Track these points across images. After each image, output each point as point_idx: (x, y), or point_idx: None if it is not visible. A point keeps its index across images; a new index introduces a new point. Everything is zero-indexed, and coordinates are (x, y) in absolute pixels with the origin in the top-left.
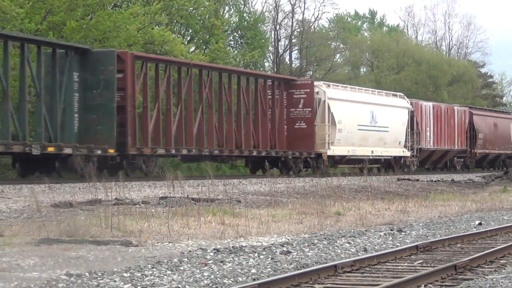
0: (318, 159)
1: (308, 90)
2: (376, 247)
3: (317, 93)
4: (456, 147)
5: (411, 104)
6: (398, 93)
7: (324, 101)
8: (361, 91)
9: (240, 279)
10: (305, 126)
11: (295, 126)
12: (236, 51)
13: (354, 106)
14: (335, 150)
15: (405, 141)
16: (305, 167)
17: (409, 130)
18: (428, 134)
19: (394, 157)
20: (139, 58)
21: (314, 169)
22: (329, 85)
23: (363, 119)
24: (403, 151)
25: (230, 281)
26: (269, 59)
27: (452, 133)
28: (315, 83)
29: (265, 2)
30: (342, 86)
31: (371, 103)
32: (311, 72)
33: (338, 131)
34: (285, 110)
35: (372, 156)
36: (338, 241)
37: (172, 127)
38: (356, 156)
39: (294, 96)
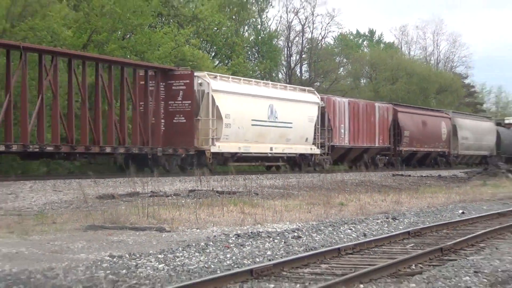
0: (201, 157)
1: (188, 81)
2: (374, 233)
3: (200, 84)
4: (377, 145)
5: (322, 99)
6: (307, 88)
7: (208, 93)
8: (258, 84)
9: (257, 259)
10: (184, 121)
11: (174, 121)
12: (253, 63)
13: (247, 100)
14: (222, 146)
15: (314, 138)
16: (190, 165)
17: (319, 126)
18: (342, 131)
19: (301, 154)
20: None
21: (196, 167)
22: (215, 77)
23: (259, 114)
24: (311, 148)
25: (249, 262)
26: (282, 71)
27: (372, 130)
28: (197, 73)
29: (279, 22)
30: (233, 78)
31: (270, 97)
32: (318, 83)
33: (225, 126)
34: (162, 103)
35: (271, 153)
36: (341, 228)
37: None
38: (250, 154)
39: (173, 87)
